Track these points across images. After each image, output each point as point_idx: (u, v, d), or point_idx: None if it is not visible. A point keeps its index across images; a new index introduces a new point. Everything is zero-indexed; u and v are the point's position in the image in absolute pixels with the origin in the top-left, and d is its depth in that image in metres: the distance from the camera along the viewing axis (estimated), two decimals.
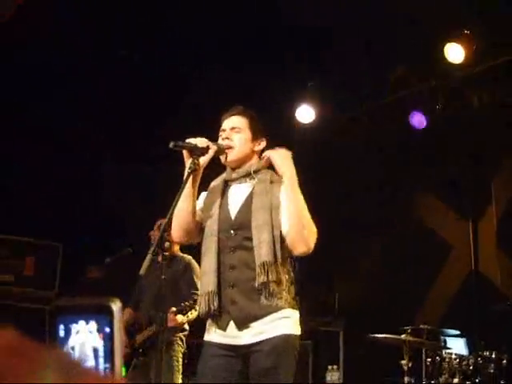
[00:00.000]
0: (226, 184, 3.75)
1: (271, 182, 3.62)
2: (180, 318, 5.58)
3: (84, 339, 0.97)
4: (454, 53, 6.95)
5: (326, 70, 7.85)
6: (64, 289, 7.93)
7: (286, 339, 3.45)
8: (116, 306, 1.00)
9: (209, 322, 3.62)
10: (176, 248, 5.85)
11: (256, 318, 3.45)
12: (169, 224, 3.36)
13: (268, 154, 3.60)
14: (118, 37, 7.25)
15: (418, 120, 7.77)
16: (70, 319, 0.99)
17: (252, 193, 3.62)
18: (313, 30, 7.00)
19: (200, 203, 3.73)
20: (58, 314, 1.01)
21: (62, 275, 8.27)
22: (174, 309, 5.52)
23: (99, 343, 0.96)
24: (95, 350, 0.96)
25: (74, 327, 0.98)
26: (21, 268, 8.01)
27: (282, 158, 3.55)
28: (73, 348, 0.98)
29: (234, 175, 3.71)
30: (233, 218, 3.59)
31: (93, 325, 1.00)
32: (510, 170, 7.59)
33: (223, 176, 3.78)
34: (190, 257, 5.87)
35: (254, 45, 7.22)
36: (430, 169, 8.15)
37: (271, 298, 3.45)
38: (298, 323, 3.55)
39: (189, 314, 5.57)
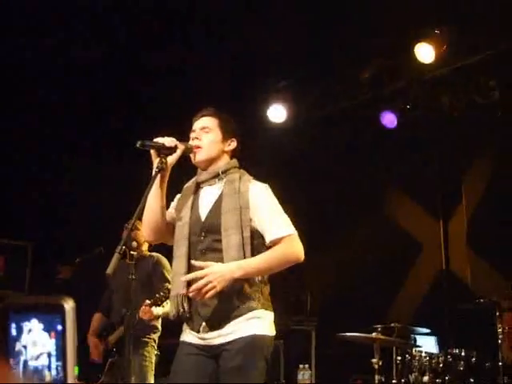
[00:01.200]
0: (198, 186, 3.73)
1: (240, 181, 3.62)
2: (155, 309, 5.55)
3: (36, 338, 0.96)
4: (425, 53, 6.99)
5: (298, 69, 7.88)
6: (34, 289, 7.88)
7: (255, 339, 3.42)
8: (69, 304, 0.99)
9: (184, 323, 3.62)
10: (144, 248, 5.81)
11: (228, 319, 3.43)
12: (134, 224, 3.34)
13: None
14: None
15: (389, 119, 7.81)
16: (22, 317, 0.97)
17: (221, 194, 3.60)
18: (284, 30, 7.02)
19: (173, 205, 3.73)
20: (10, 312, 1.00)
21: (32, 275, 8.23)
22: (148, 301, 5.48)
23: (51, 342, 0.95)
24: (47, 349, 0.95)
25: (26, 325, 0.97)
26: None
27: (224, 280, 3.35)
28: (25, 347, 0.97)
29: (204, 176, 3.69)
30: (203, 220, 3.58)
31: (45, 323, 0.99)
32: (480, 170, 7.66)
33: (194, 178, 3.78)
34: (157, 254, 5.85)
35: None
36: (401, 168, 8.20)
37: (244, 299, 3.44)
38: (272, 324, 3.53)
39: (164, 304, 5.51)
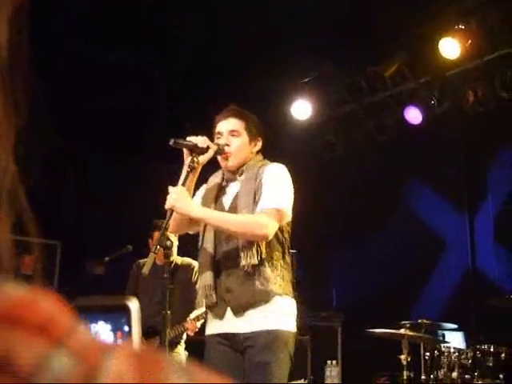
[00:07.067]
0: (224, 181, 3.82)
1: (259, 168, 3.70)
2: (199, 324, 5.59)
3: (104, 339, 0.97)
4: (449, 48, 6.96)
5: (323, 64, 7.87)
6: (63, 287, 7.92)
7: (279, 334, 3.50)
8: (133, 304, 1.00)
9: (208, 314, 3.70)
10: (174, 255, 5.75)
11: (251, 304, 3.51)
12: (168, 222, 3.37)
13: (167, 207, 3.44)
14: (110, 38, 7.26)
15: (414, 115, 7.78)
16: (89, 319, 0.98)
17: (241, 183, 3.70)
18: (308, 25, 7.02)
19: (200, 195, 3.82)
20: (80, 314, 1.01)
21: (61, 273, 8.28)
22: (192, 316, 5.54)
23: (118, 342, 0.97)
24: None
25: (94, 327, 0.98)
26: (19, 267, 8.00)
27: (180, 204, 3.42)
28: None
29: (231, 174, 3.79)
30: (226, 209, 3.67)
31: (112, 324, 1.00)
32: (505, 164, 7.61)
33: (221, 172, 3.85)
34: (189, 260, 5.86)
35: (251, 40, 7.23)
36: (426, 164, 8.17)
37: (265, 282, 3.51)
38: (294, 319, 3.60)
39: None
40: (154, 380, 0.42)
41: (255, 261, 3.46)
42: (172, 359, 0.45)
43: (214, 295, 3.58)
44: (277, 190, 3.59)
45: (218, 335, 3.61)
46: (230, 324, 3.56)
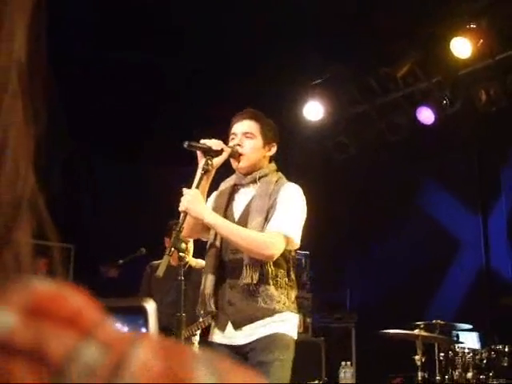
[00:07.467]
0: (235, 187, 3.80)
1: (275, 184, 3.66)
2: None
3: None
4: (461, 47, 6.95)
5: (334, 65, 7.88)
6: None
7: (279, 337, 3.52)
8: (150, 306, 1.01)
9: (212, 322, 3.71)
10: (189, 257, 5.77)
11: (252, 320, 3.51)
12: (182, 225, 3.38)
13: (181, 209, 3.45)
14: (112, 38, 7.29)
15: (426, 115, 7.77)
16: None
17: (254, 195, 3.68)
18: (321, 26, 7.02)
19: (210, 203, 3.78)
20: None
21: (75, 277, 8.29)
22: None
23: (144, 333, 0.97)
24: None
25: None
26: (33, 270, 8.02)
27: (194, 207, 3.43)
28: None
29: (242, 180, 3.76)
30: (236, 220, 3.65)
31: (129, 326, 1.01)
32: None
33: (233, 178, 3.83)
34: (203, 262, 5.86)
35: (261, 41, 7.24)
36: (439, 164, 8.16)
37: (269, 301, 3.50)
38: (296, 327, 3.60)
39: None
40: (180, 369, 0.43)
41: (255, 281, 3.46)
42: (197, 351, 0.46)
43: (212, 305, 3.58)
44: (290, 215, 3.56)
45: (220, 345, 3.62)
46: (231, 337, 3.58)
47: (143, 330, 1.03)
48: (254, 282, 3.45)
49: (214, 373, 0.44)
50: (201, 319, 5.54)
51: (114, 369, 0.42)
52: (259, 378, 0.48)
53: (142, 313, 0.98)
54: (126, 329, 1.04)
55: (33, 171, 0.54)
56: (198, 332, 5.92)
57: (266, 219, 3.54)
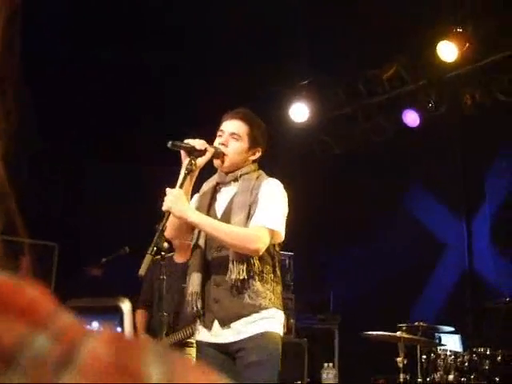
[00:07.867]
0: (216, 186, 3.80)
1: (256, 180, 3.68)
2: None
3: None
4: (447, 51, 6.98)
5: (320, 67, 7.89)
6: (60, 288, 7.92)
7: (267, 335, 3.51)
8: (126, 305, 1.01)
9: (198, 321, 3.69)
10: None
11: (239, 317, 3.51)
12: (165, 225, 3.37)
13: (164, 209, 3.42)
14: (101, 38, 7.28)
15: (412, 118, 7.80)
16: (84, 320, 0.99)
17: (236, 193, 3.68)
18: (307, 29, 7.04)
19: (193, 204, 3.77)
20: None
21: (58, 275, 8.27)
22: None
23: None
24: None
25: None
26: (16, 268, 7.98)
27: (177, 207, 3.40)
28: None
29: (224, 178, 3.76)
30: (219, 218, 3.64)
31: (105, 325, 1.01)
32: (502, 168, 7.63)
33: (215, 177, 3.82)
34: None
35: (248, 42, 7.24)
36: (424, 167, 8.19)
37: (255, 296, 3.50)
38: (282, 323, 3.60)
39: None
40: (130, 360, 0.43)
41: (244, 276, 3.46)
42: (156, 347, 0.46)
43: (199, 304, 3.57)
44: (273, 209, 3.56)
45: (208, 344, 3.62)
46: (217, 335, 3.56)
47: (118, 329, 1.03)
48: (242, 277, 3.45)
49: (164, 364, 0.45)
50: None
51: (64, 357, 0.42)
52: (208, 371, 0.48)
53: (118, 312, 0.99)
54: (101, 328, 1.04)
55: (3, 168, 0.55)
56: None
57: (249, 215, 3.54)
